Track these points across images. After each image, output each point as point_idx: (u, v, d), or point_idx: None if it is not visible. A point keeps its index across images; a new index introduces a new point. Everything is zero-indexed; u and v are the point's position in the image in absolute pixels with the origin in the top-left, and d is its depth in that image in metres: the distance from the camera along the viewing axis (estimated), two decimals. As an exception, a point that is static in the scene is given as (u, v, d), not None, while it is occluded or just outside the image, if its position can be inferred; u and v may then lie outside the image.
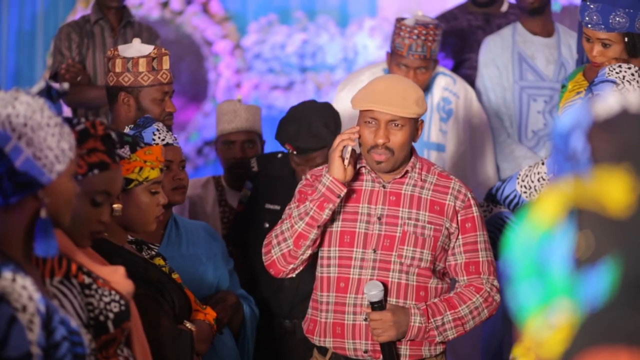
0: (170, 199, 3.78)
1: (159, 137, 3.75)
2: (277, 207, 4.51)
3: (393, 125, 3.65)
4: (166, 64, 4.15)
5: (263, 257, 3.81)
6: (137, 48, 4.18)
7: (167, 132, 3.82)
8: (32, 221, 2.21)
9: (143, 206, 3.22)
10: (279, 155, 4.70)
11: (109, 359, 2.47)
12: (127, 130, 3.78)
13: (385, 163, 3.67)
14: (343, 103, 5.28)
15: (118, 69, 4.14)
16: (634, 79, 3.83)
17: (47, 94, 2.22)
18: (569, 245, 1.32)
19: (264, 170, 4.65)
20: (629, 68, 3.86)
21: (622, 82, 3.82)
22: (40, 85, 2.22)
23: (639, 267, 1.22)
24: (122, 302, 2.48)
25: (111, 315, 2.45)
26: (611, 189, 1.31)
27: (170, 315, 3.28)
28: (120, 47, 4.22)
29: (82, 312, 2.38)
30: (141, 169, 3.21)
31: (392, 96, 3.63)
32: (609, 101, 1.44)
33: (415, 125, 3.70)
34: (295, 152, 4.49)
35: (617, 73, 3.84)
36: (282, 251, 3.74)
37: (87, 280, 2.42)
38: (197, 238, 4.03)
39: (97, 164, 2.57)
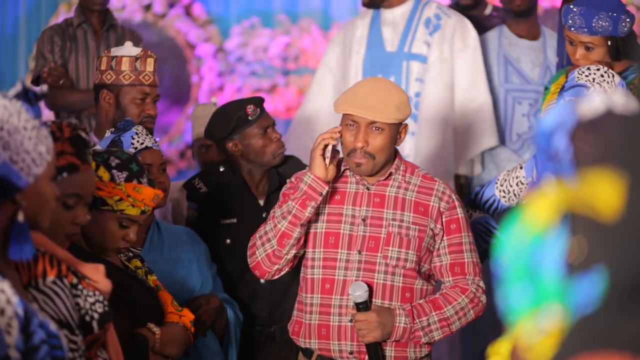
0: None
1: (138, 141, 3.74)
2: (234, 220, 4.42)
3: (373, 128, 3.65)
4: (150, 66, 4.16)
5: (248, 259, 3.81)
6: (127, 50, 4.20)
7: (147, 135, 3.80)
8: (10, 225, 2.20)
9: (107, 232, 3.20)
10: (221, 168, 4.53)
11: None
12: (107, 134, 3.76)
13: (364, 166, 3.68)
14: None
15: (103, 67, 4.16)
16: (604, 79, 3.83)
17: (25, 96, 2.20)
18: (561, 250, 1.31)
19: (214, 186, 4.50)
20: (598, 70, 3.85)
21: (592, 85, 3.82)
22: (17, 88, 2.21)
23: (628, 273, 1.21)
24: (105, 302, 2.47)
25: (96, 315, 2.44)
26: (600, 193, 1.30)
27: (127, 319, 3.25)
28: (113, 49, 4.24)
29: (74, 312, 2.38)
30: (120, 199, 3.19)
31: (373, 101, 3.63)
32: (594, 102, 1.44)
33: (397, 129, 3.71)
34: (257, 110, 4.41)
35: (586, 76, 3.83)
36: (266, 252, 3.74)
37: (74, 280, 2.41)
38: (179, 242, 4.02)
39: (65, 166, 2.56)
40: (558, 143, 1.43)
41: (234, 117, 4.40)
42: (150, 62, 4.16)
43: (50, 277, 2.36)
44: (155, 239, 3.96)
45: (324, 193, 3.67)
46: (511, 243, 1.35)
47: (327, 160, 3.68)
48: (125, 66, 4.13)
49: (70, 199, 2.58)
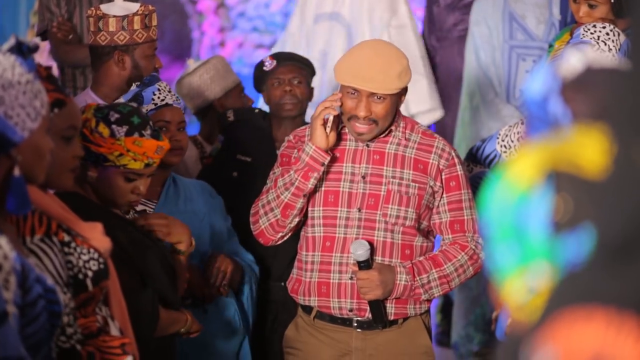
0: (165, 160, 3.79)
1: (159, 97, 3.76)
2: (248, 159, 4.54)
3: (375, 98, 3.64)
4: (155, 21, 4.18)
5: (251, 227, 3.82)
6: (121, 6, 4.17)
7: (169, 92, 3.82)
8: (6, 180, 2.20)
9: (114, 188, 3.20)
10: (256, 110, 4.77)
11: (87, 317, 2.47)
12: (133, 87, 3.79)
13: (367, 134, 3.68)
14: None
15: (112, 28, 4.13)
16: (609, 38, 3.82)
17: (19, 50, 2.20)
18: (547, 209, 1.31)
19: (242, 120, 4.68)
20: (604, 27, 3.84)
21: (597, 43, 3.81)
22: (10, 42, 2.20)
23: (614, 229, 1.21)
24: (101, 260, 2.47)
25: (90, 273, 2.44)
26: (587, 150, 1.30)
27: (136, 275, 3.25)
28: (103, 7, 4.20)
29: (63, 270, 2.38)
30: (121, 154, 3.18)
31: (374, 72, 3.61)
32: (571, 62, 1.44)
33: (399, 95, 3.70)
34: (275, 63, 4.65)
35: (591, 33, 3.83)
36: (269, 221, 3.75)
37: (66, 238, 2.41)
38: (194, 195, 4.02)
39: (54, 103, 2.55)
40: (554, 109, 1.43)
41: (255, 69, 4.76)
42: (154, 16, 4.18)
43: (38, 235, 2.36)
44: (171, 192, 3.96)
45: (325, 163, 3.68)
46: (496, 200, 1.36)
47: (328, 129, 3.67)
48: (137, 25, 4.13)
49: (67, 131, 2.57)
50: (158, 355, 3.32)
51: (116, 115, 3.20)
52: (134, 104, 3.30)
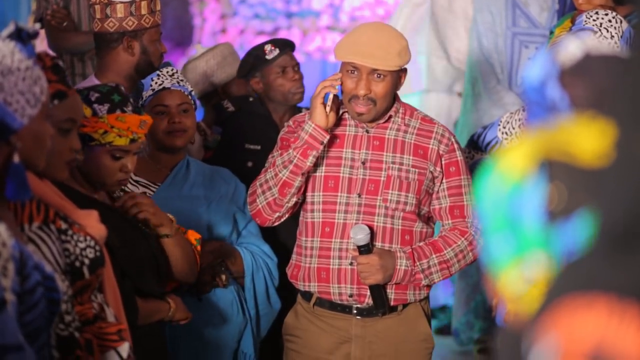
0: (165, 143, 3.84)
1: (157, 83, 3.77)
2: (258, 147, 4.55)
3: (375, 76, 3.64)
4: (159, 5, 4.20)
5: (248, 207, 3.82)
6: None
7: (170, 76, 3.84)
8: (5, 166, 2.19)
9: (102, 167, 3.20)
10: (250, 98, 4.78)
11: (84, 305, 2.47)
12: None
13: (366, 115, 3.68)
14: None
15: (120, 14, 4.14)
16: (612, 25, 3.81)
17: (18, 36, 2.19)
18: (541, 198, 1.31)
19: (242, 109, 4.67)
20: (606, 14, 3.83)
21: (600, 30, 3.80)
22: (10, 28, 2.19)
23: (615, 218, 1.20)
24: (97, 247, 2.47)
25: (87, 261, 2.44)
26: (579, 138, 1.29)
27: (117, 268, 3.23)
28: None
29: (60, 258, 2.38)
30: (105, 132, 3.17)
31: (374, 48, 3.62)
32: (569, 48, 1.43)
33: (398, 75, 3.70)
34: (276, 50, 4.68)
35: (594, 20, 3.83)
36: (267, 200, 3.75)
37: (63, 225, 2.41)
38: (206, 181, 4.00)
39: (55, 94, 2.55)
40: (552, 93, 1.43)
41: (252, 56, 4.74)
42: (158, 0, 4.19)
43: (36, 223, 2.35)
44: (179, 176, 3.96)
45: (324, 142, 3.68)
46: (489, 192, 1.35)
47: (328, 109, 3.67)
48: (144, 10, 4.13)
49: (66, 123, 2.57)
50: (146, 342, 3.31)
51: (96, 95, 3.20)
52: (113, 84, 3.29)
